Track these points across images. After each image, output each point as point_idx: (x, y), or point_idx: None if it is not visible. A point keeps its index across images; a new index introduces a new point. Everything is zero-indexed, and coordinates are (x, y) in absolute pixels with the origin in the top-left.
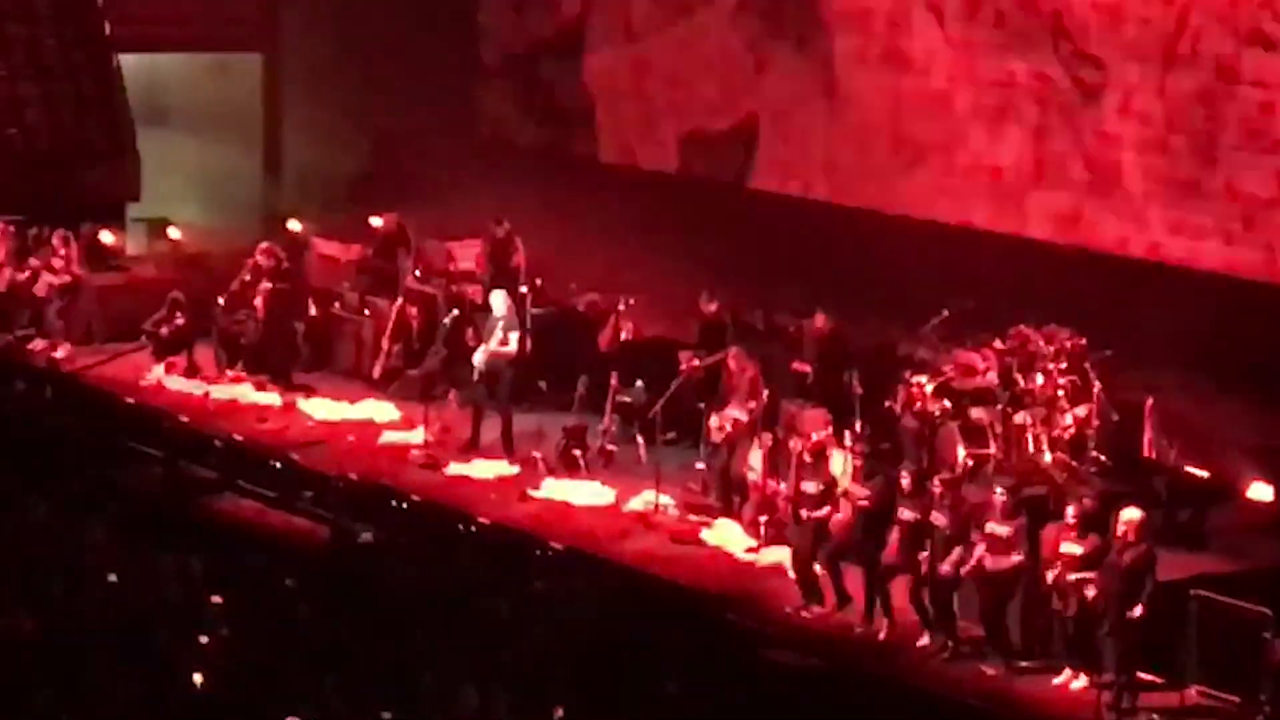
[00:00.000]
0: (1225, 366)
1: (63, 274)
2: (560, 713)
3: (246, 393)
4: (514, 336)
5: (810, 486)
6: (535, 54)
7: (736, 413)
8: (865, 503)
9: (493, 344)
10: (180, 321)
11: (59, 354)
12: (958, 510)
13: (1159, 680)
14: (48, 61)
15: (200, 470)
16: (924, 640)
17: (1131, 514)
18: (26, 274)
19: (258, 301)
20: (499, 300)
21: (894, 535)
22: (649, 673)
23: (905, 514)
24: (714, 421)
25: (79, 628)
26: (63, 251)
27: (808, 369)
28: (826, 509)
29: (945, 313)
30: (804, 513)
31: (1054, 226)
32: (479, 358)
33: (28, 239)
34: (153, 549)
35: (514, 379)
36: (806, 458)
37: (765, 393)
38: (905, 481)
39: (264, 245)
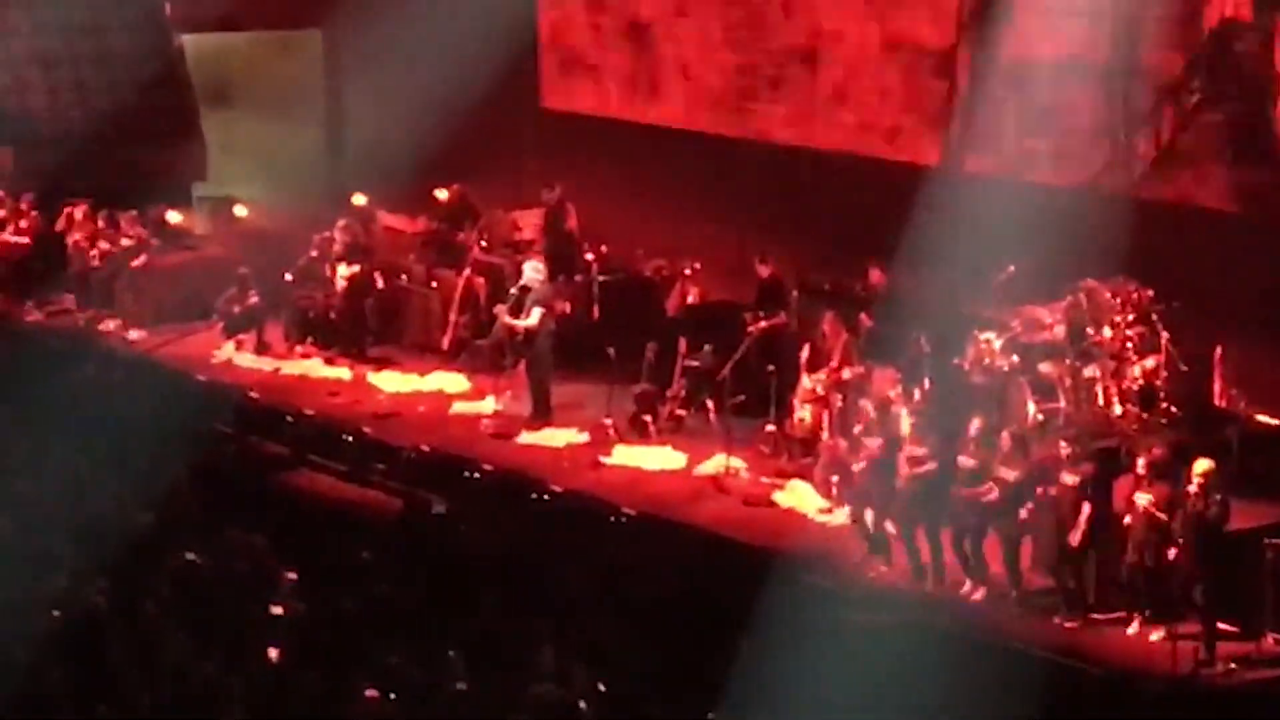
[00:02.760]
0: None
1: (135, 254)
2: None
3: (316, 367)
4: (537, 312)
5: (873, 442)
6: (590, 20)
7: (846, 373)
8: (922, 459)
9: (521, 316)
10: (252, 299)
11: (131, 334)
12: (1026, 463)
13: (1235, 629)
14: (112, 45)
15: (273, 446)
16: (967, 588)
17: (1204, 465)
18: (98, 255)
19: (340, 278)
20: (531, 271)
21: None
22: (726, 636)
23: (966, 462)
24: (808, 383)
25: (158, 606)
26: (132, 232)
27: (870, 324)
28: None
29: (1011, 268)
30: (861, 466)
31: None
32: (499, 327)
33: (98, 221)
34: (228, 526)
35: (544, 350)
36: (872, 413)
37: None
38: (974, 430)
39: (343, 223)
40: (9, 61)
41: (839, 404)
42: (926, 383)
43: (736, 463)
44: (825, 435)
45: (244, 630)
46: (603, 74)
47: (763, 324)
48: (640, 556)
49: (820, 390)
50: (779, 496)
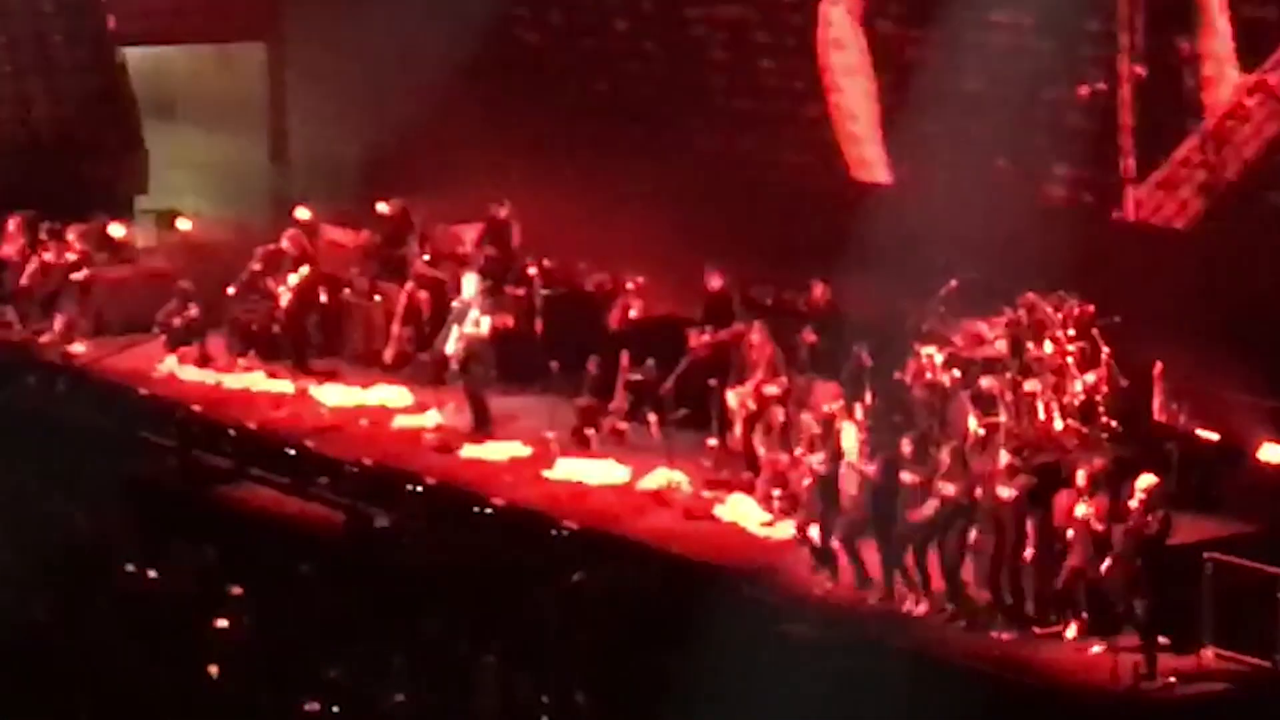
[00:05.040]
0: (1234, 328)
1: (77, 267)
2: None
3: (258, 381)
4: (485, 321)
5: (816, 459)
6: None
7: (770, 389)
8: (872, 477)
9: (466, 327)
10: (194, 312)
11: (72, 347)
12: (965, 479)
13: (1174, 643)
14: (54, 57)
15: (215, 459)
16: (910, 603)
17: (1147, 480)
18: (37, 267)
19: (283, 290)
20: (470, 283)
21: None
22: (667, 649)
23: (907, 477)
24: (733, 399)
25: (97, 618)
26: (75, 245)
27: (814, 340)
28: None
29: (953, 282)
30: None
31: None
32: (452, 342)
33: (39, 233)
34: (171, 539)
35: (491, 361)
36: (816, 429)
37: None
38: (907, 448)
39: (291, 232)
40: None
41: (780, 418)
42: (868, 397)
43: (678, 476)
44: (762, 449)
45: (188, 643)
46: (547, 85)
47: (705, 338)
48: (582, 570)
49: (751, 404)
50: (720, 510)
